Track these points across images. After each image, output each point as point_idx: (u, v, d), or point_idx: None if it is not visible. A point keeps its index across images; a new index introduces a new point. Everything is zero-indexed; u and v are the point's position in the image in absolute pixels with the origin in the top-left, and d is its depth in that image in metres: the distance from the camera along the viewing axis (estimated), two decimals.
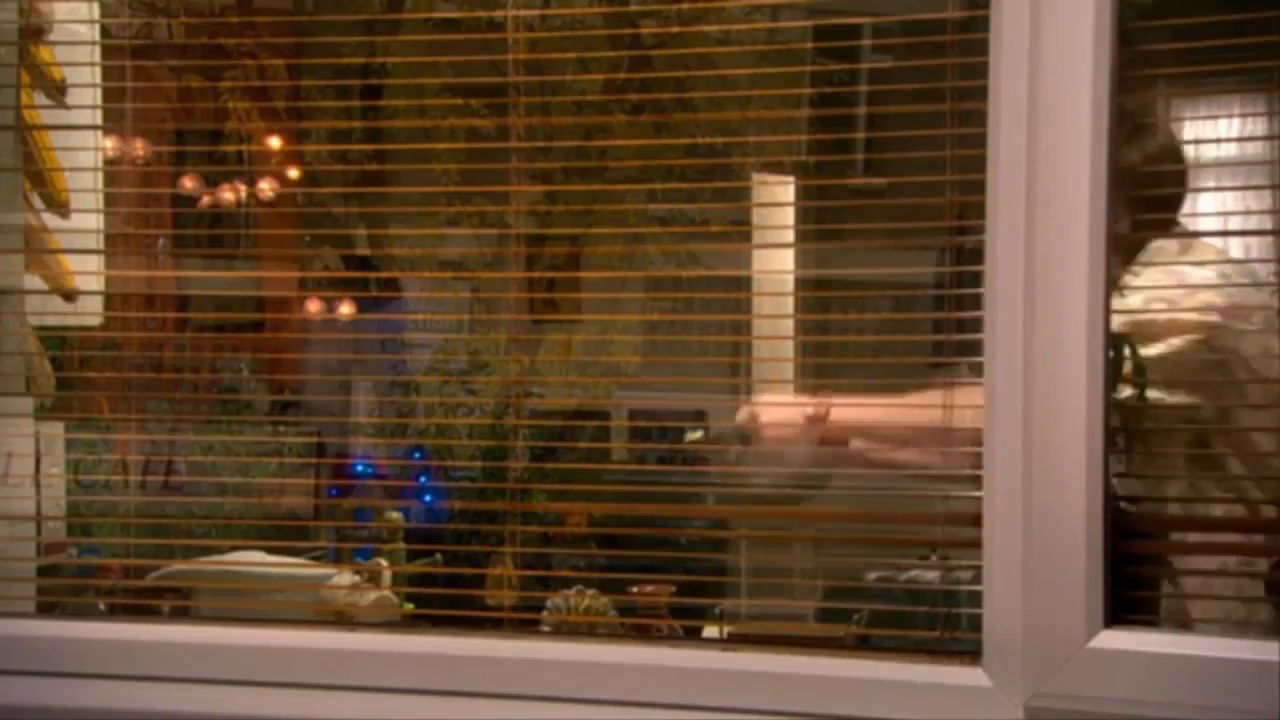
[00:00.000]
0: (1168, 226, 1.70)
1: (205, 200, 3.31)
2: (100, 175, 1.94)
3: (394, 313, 3.18)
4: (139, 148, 2.39)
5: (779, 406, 1.92)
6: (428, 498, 2.71)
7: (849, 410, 1.84)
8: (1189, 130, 1.67)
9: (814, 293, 2.11)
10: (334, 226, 3.57)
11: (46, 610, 1.81)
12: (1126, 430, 1.50)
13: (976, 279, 1.47)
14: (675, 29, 2.76)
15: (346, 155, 2.67)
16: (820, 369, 2.05)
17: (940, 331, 1.56)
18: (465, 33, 2.96)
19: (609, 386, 2.76)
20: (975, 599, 1.46)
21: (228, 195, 3.32)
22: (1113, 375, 1.44)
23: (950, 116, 1.55)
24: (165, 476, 2.50)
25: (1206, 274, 1.71)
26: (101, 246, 1.99)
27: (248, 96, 3.19)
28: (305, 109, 3.36)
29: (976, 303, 1.47)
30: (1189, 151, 1.71)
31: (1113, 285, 1.42)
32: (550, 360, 2.76)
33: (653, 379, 2.74)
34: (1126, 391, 1.50)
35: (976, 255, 1.49)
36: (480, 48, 2.13)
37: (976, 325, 1.47)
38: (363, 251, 3.62)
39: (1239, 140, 1.65)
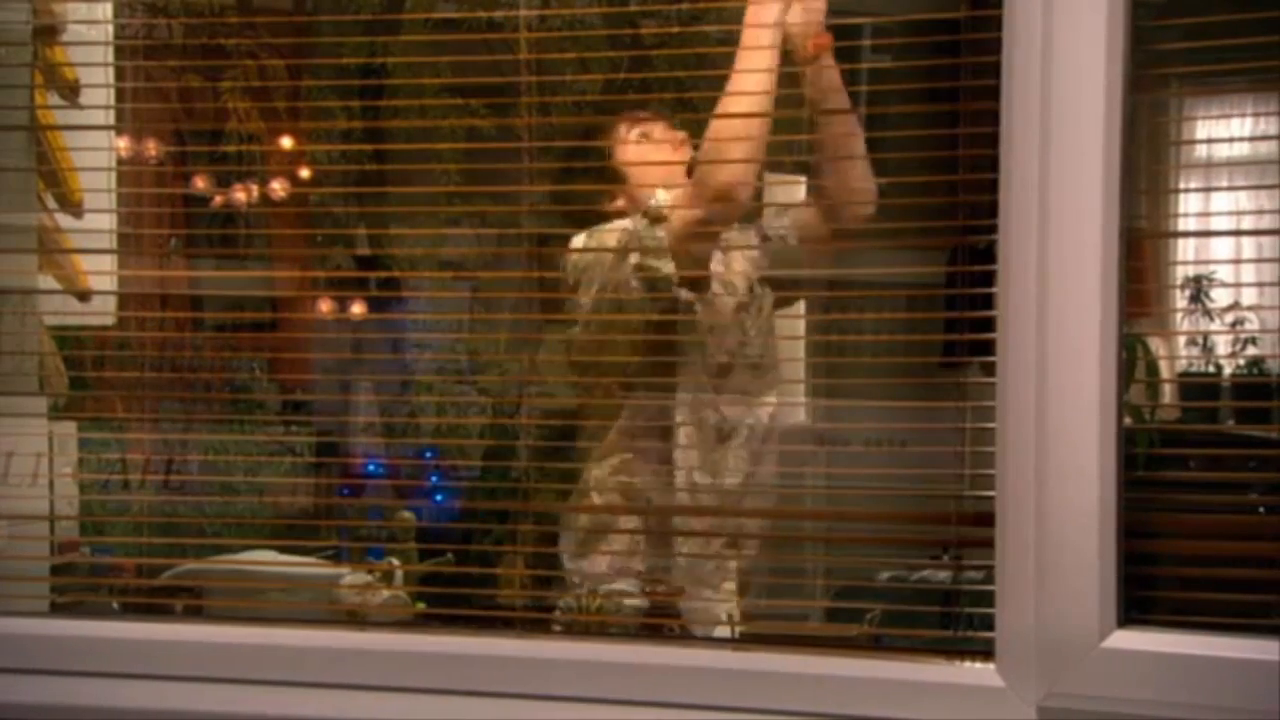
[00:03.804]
0: None
1: (218, 200, 3.32)
2: (114, 175, 1.94)
3: (408, 313, 3.18)
4: (150, 148, 2.40)
5: None
6: (439, 497, 2.71)
7: None
8: (1202, 130, 1.66)
9: (826, 293, 2.11)
10: (348, 227, 3.57)
11: (60, 609, 1.82)
12: None
13: (989, 279, 1.46)
14: (675, 29, 2.76)
15: (346, 155, 2.67)
16: (831, 368, 2.05)
17: (952, 331, 1.56)
18: (466, 33, 2.96)
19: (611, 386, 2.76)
20: (988, 599, 1.46)
21: (236, 195, 3.32)
22: (1125, 374, 1.43)
23: (960, 116, 1.54)
24: (179, 475, 2.50)
25: None
26: (115, 246, 2.00)
27: (253, 97, 3.20)
28: (309, 109, 3.36)
29: (989, 303, 1.47)
30: (1201, 151, 1.71)
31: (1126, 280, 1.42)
32: (555, 360, 2.75)
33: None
34: None
35: (983, 255, 1.49)
36: (481, 48, 2.13)
37: (989, 325, 1.47)
38: (379, 252, 3.63)
39: (1252, 139, 1.65)
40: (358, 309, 2.89)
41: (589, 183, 2.25)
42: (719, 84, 1.93)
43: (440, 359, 3.11)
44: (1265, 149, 1.67)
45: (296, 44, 3.16)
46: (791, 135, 2.04)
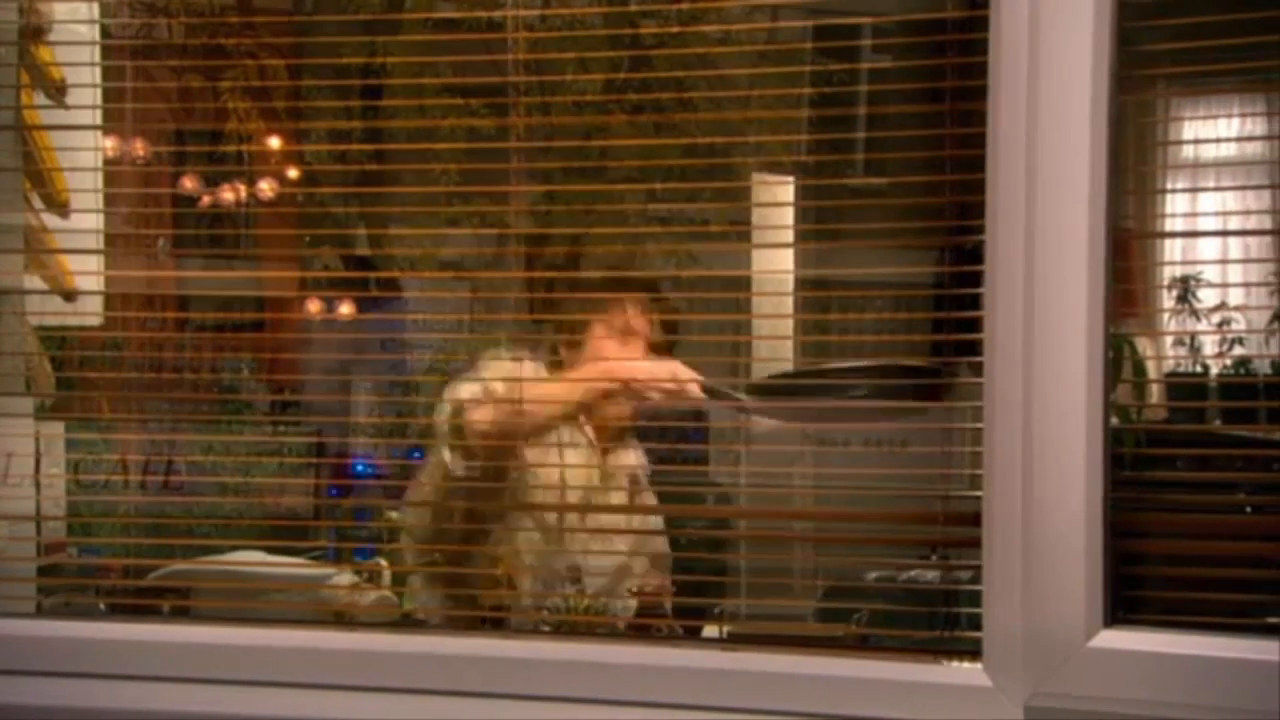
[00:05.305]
0: None
1: (205, 200, 3.31)
2: (100, 175, 1.94)
3: (393, 313, 3.18)
4: (139, 148, 2.39)
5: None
6: None
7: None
8: (1188, 130, 1.67)
9: (814, 293, 2.11)
10: (334, 226, 3.57)
11: (46, 610, 1.81)
12: None
13: (976, 279, 1.47)
14: (675, 29, 2.77)
15: (346, 155, 2.67)
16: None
17: (940, 331, 1.56)
18: (465, 33, 2.96)
19: None
20: (975, 599, 1.46)
21: (227, 195, 3.32)
22: (1112, 375, 1.44)
23: (949, 116, 1.55)
24: (165, 476, 2.50)
25: None
26: (101, 246, 1.99)
27: (248, 96, 3.19)
28: (305, 109, 3.36)
29: (976, 303, 1.47)
30: (1188, 151, 1.71)
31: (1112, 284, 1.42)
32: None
33: None
34: None
35: (976, 255, 1.49)
36: (480, 48, 2.13)
37: (977, 325, 1.47)
38: (363, 251, 3.62)
39: (1238, 140, 1.65)
40: (346, 309, 2.88)
41: (586, 182, 2.25)
42: (718, 84, 1.93)
43: (428, 359, 3.11)
44: (1252, 149, 1.68)
45: (296, 43, 3.15)
46: (789, 136, 2.04)
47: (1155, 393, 1.82)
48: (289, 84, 3.19)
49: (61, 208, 1.97)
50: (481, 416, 1.95)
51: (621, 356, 2.14)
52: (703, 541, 2.09)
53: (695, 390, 1.98)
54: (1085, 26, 1.39)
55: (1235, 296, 1.96)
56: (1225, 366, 2.33)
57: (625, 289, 2.20)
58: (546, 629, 1.83)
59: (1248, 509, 1.59)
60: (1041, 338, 1.41)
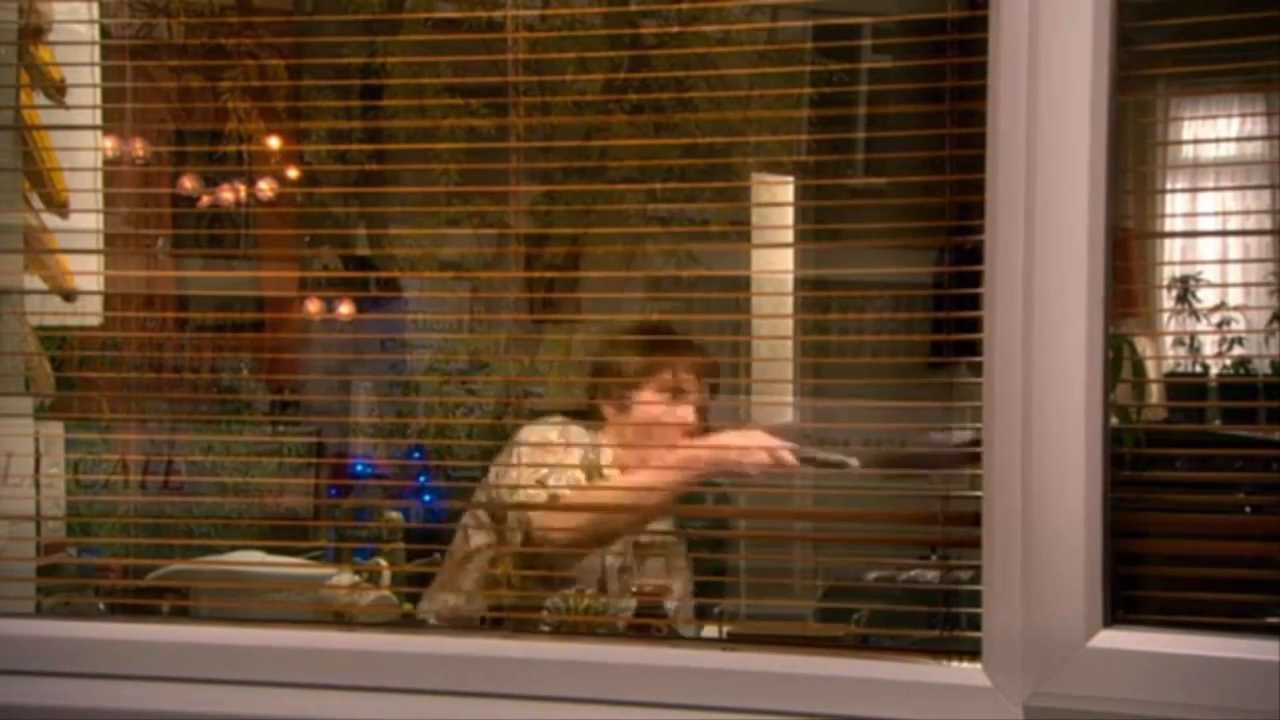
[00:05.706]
0: None
1: (204, 200, 3.31)
2: (100, 175, 1.94)
3: (393, 313, 3.18)
4: (138, 148, 2.39)
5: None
6: (427, 498, 2.71)
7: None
8: (1188, 130, 1.67)
9: (814, 293, 2.11)
10: (334, 226, 3.57)
11: (46, 610, 1.81)
12: None
13: (976, 279, 1.47)
14: (675, 29, 2.77)
15: (346, 155, 2.67)
16: (819, 369, 2.05)
17: (939, 331, 1.56)
18: (465, 33, 2.96)
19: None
20: (975, 599, 1.46)
21: (227, 195, 3.32)
22: (1112, 375, 1.44)
23: (949, 116, 1.55)
24: (165, 476, 2.50)
25: None
26: (101, 246, 2.00)
27: (248, 96, 3.19)
28: (305, 109, 3.36)
29: (976, 303, 1.47)
30: (1187, 151, 1.71)
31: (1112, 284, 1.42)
32: (550, 360, 2.76)
33: None
34: None
35: (975, 255, 1.49)
36: (480, 48, 2.13)
37: (976, 325, 1.47)
38: (363, 251, 3.63)
39: (1238, 140, 1.65)
40: (346, 309, 2.88)
41: (586, 182, 2.25)
42: (718, 84, 1.93)
43: (428, 359, 3.11)
44: (1251, 149, 1.68)
45: (296, 43, 3.15)
46: (788, 136, 2.04)
47: (1155, 393, 1.82)
48: (289, 84, 3.19)
49: (61, 208, 1.97)
50: (560, 519, 1.93)
51: (678, 418, 2.08)
52: (703, 541, 2.09)
53: (788, 457, 1.92)
54: (1085, 26, 1.39)
55: (1235, 296, 1.96)
56: (1225, 366, 2.33)
57: (671, 350, 2.15)
58: (546, 629, 1.83)
59: (1247, 509, 1.59)
60: (1041, 338, 1.41)
